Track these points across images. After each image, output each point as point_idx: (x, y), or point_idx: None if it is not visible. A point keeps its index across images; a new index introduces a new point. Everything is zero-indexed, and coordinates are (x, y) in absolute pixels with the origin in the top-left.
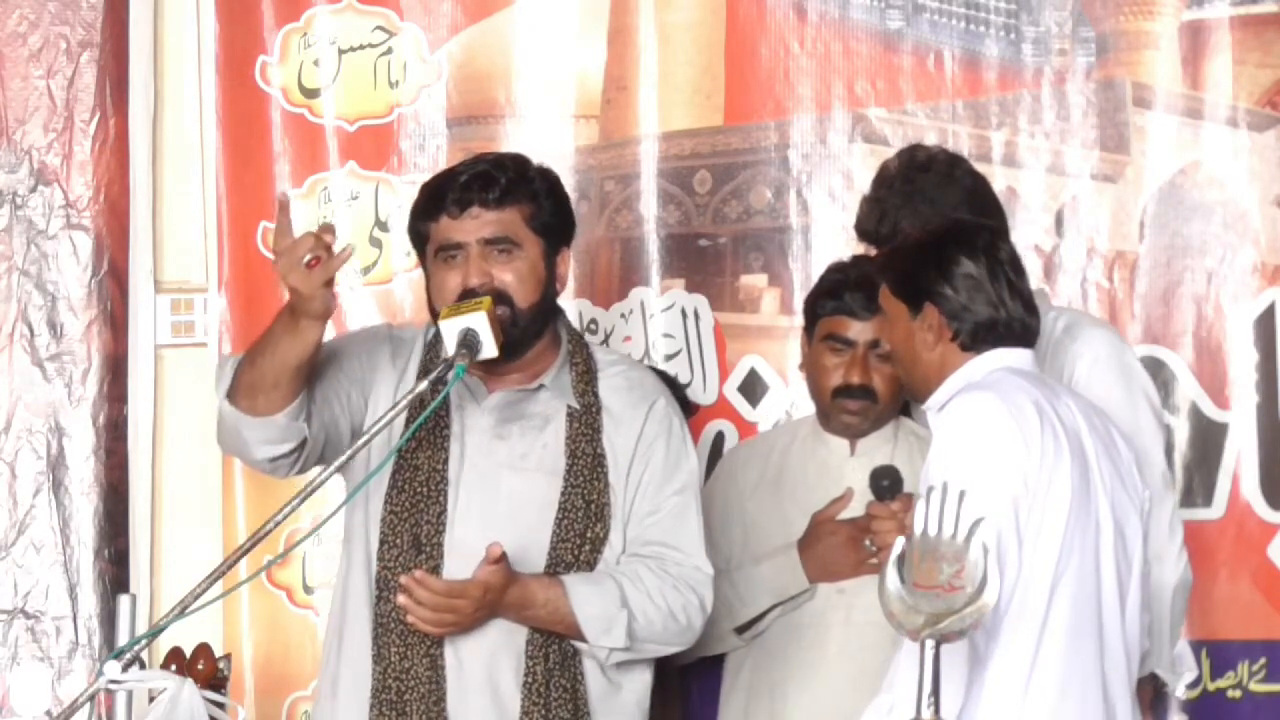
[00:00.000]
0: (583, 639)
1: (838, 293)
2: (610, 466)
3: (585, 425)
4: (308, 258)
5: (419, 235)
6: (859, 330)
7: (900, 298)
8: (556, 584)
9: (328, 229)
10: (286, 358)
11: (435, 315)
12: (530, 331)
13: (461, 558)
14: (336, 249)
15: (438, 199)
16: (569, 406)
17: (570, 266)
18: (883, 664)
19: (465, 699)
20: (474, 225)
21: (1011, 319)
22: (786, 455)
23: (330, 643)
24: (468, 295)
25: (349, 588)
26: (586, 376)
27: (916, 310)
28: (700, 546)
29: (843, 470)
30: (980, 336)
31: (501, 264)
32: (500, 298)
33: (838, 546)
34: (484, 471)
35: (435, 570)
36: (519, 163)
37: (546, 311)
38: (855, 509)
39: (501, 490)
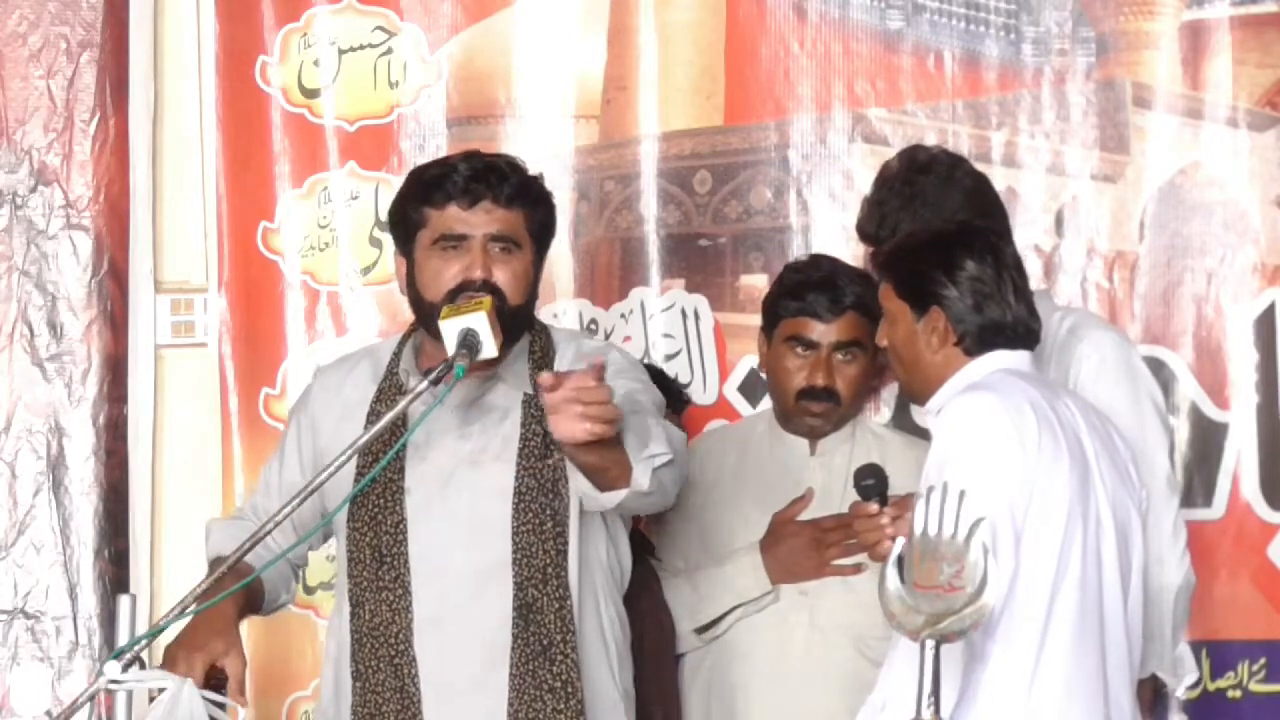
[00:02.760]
0: (627, 464)
1: (800, 293)
2: None
3: (536, 407)
4: None
5: (411, 221)
6: (822, 332)
7: (905, 299)
8: None
9: None
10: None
11: (419, 305)
12: (513, 332)
13: (427, 563)
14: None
15: (441, 186)
16: (524, 394)
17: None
18: (846, 665)
19: (447, 705)
20: (484, 219)
21: (1017, 322)
22: (744, 453)
23: (334, 653)
24: (465, 287)
25: (336, 603)
26: (543, 363)
27: (921, 312)
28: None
29: (803, 470)
30: (985, 340)
31: (501, 262)
32: (493, 292)
33: (800, 548)
34: (443, 473)
35: (399, 581)
36: (520, 165)
37: (529, 316)
38: (815, 509)
39: (460, 488)
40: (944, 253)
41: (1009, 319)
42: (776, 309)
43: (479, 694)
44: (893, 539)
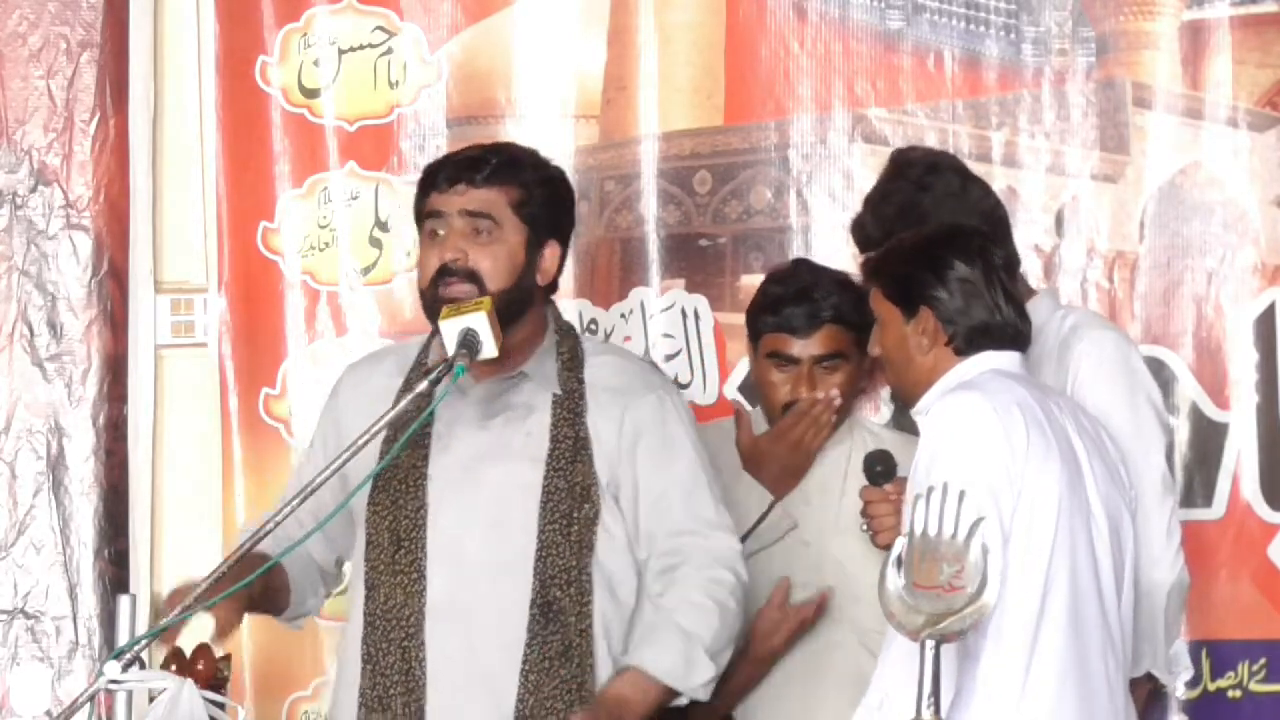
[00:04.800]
0: (677, 693)
1: (777, 308)
2: (595, 449)
3: (568, 410)
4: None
5: (417, 214)
6: (801, 346)
7: (894, 301)
8: (629, 670)
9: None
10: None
11: (424, 296)
12: (501, 316)
13: (444, 550)
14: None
15: (432, 175)
16: (553, 394)
17: (559, 262)
18: (848, 660)
19: (452, 693)
20: (459, 200)
21: (1005, 323)
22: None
23: (350, 633)
24: (443, 273)
25: (350, 592)
26: (572, 364)
27: (911, 314)
28: (717, 517)
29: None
30: (973, 340)
31: (479, 245)
32: (471, 277)
33: (783, 454)
34: (465, 463)
35: (414, 565)
36: (517, 152)
37: (522, 300)
38: (815, 505)
39: (483, 480)
40: (932, 254)
41: (997, 320)
42: (757, 324)
43: (485, 686)
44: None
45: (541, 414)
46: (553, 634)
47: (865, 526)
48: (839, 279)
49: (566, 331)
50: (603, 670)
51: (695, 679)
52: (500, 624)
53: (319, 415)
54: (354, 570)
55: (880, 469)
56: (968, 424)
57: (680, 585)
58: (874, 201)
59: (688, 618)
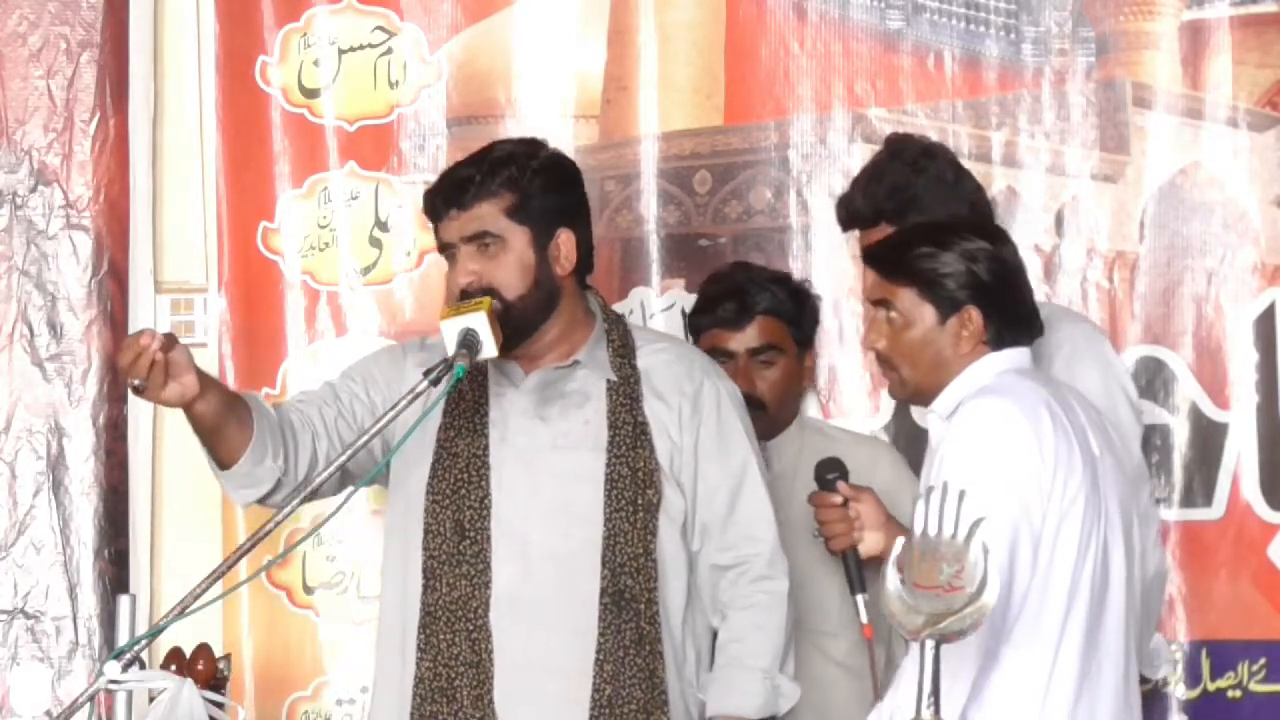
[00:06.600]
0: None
1: (711, 306)
2: (655, 433)
3: (625, 396)
4: (135, 382)
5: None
6: (738, 340)
7: (933, 301)
8: None
9: (136, 345)
10: (198, 428)
11: None
12: (529, 320)
13: (508, 540)
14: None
15: (430, 206)
16: (608, 380)
17: (578, 246)
18: (801, 660)
19: (521, 683)
20: (456, 226)
21: (1034, 311)
22: None
23: (387, 637)
24: (464, 297)
25: (390, 582)
26: (624, 351)
27: (950, 313)
28: (766, 511)
29: None
30: (1011, 334)
31: (488, 260)
32: (489, 293)
33: None
34: (525, 453)
35: (480, 555)
36: (502, 153)
37: (546, 299)
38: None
39: (544, 470)
40: (971, 250)
41: (1028, 311)
42: (695, 325)
43: (556, 676)
44: (860, 530)
45: (597, 401)
46: (626, 622)
47: (817, 533)
48: (774, 276)
49: (615, 319)
50: (669, 658)
51: (784, 704)
52: (570, 614)
53: (373, 356)
54: (389, 566)
55: (833, 476)
56: (998, 431)
57: (740, 608)
58: (864, 180)
59: (757, 647)
